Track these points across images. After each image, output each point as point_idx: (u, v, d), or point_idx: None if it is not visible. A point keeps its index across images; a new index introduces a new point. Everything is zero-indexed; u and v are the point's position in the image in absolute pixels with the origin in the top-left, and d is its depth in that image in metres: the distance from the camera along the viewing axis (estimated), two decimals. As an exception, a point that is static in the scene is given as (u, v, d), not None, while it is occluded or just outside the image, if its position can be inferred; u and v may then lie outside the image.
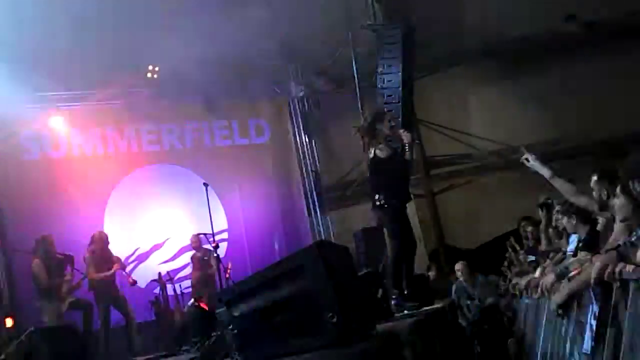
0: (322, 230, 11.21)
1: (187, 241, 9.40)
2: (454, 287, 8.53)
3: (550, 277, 4.43)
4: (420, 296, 6.14)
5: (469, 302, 8.29)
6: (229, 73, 10.50)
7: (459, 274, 8.46)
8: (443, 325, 5.39)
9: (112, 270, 8.27)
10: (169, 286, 9.20)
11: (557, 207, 5.56)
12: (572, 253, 5.02)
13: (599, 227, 4.48)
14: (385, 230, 6.47)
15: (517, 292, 6.44)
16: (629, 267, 2.94)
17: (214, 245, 8.35)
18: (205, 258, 9.02)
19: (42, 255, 7.94)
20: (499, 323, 7.61)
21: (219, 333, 5.23)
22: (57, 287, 7.93)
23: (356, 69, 10.11)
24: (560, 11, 9.63)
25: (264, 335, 3.87)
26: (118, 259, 8.47)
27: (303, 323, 3.71)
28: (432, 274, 9.47)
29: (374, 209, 6.15)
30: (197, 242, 9.11)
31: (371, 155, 5.90)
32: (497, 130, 10.75)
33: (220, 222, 10.29)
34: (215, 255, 8.25)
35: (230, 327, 4.03)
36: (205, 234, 8.86)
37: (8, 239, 9.16)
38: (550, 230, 6.45)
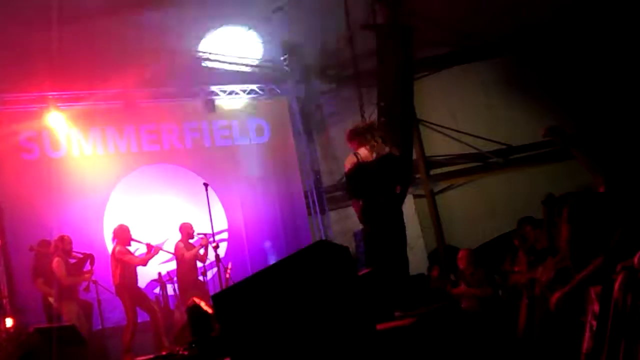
0: (322, 230, 11.21)
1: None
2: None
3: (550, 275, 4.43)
4: (420, 296, 6.14)
5: None
6: (229, 73, 10.51)
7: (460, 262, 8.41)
8: (443, 324, 5.39)
9: (152, 253, 8.59)
10: (169, 286, 9.20)
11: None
12: None
13: None
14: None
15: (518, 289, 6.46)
16: None
17: (214, 245, 8.35)
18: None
19: (61, 254, 8.12)
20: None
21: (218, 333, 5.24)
22: (78, 285, 8.19)
23: (356, 69, 10.11)
24: (561, 11, 9.65)
25: (264, 336, 3.87)
26: (149, 245, 8.71)
27: (303, 323, 3.70)
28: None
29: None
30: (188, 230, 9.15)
31: (355, 160, 5.96)
32: (497, 130, 10.76)
33: (220, 222, 10.28)
34: (215, 254, 8.26)
35: (230, 327, 4.03)
36: (205, 234, 8.88)
37: (8, 239, 9.15)
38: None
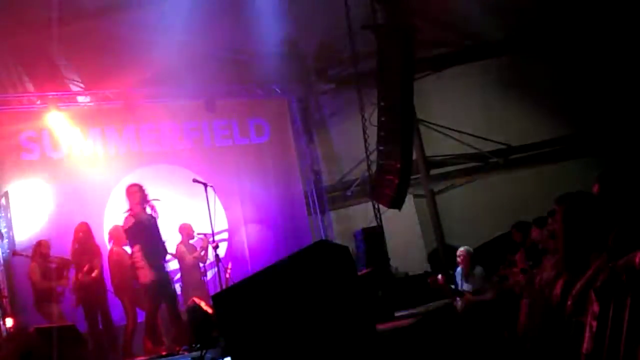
0: (322, 230, 11.20)
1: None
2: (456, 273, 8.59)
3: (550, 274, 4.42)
4: (419, 296, 6.15)
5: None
6: (229, 72, 10.50)
7: (458, 259, 8.48)
8: (443, 324, 5.39)
9: None
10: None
11: None
12: None
13: None
14: None
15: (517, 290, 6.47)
16: None
17: (214, 245, 8.35)
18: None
19: (38, 259, 8.06)
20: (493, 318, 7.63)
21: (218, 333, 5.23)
22: (53, 289, 8.05)
23: (356, 69, 10.11)
24: (561, 10, 9.66)
25: (264, 336, 3.86)
26: None
27: (303, 323, 3.70)
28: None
29: None
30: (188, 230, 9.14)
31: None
32: (497, 130, 10.76)
33: (221, 222, 10.26)
34: (214, 254, 8.26)
35: (230, 327, 4.02)
36: (205, 234, 8.87)
37: (7, 239, 9.14)
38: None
